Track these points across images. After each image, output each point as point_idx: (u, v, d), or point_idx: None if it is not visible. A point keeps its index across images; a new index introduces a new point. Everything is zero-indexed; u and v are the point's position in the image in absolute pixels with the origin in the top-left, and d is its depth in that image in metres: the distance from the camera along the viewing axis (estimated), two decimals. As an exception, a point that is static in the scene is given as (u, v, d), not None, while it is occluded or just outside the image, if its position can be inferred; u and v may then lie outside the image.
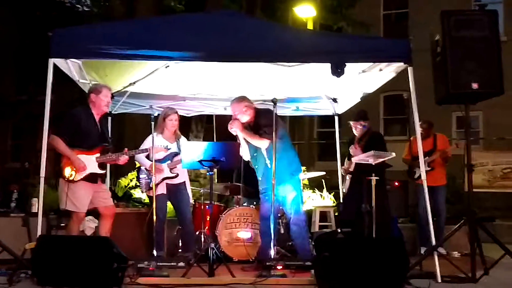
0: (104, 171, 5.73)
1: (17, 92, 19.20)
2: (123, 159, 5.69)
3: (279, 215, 6.13)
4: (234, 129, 5.70)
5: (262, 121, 5.70)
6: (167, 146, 6.09)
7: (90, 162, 5.51)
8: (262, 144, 5.70)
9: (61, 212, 6.36)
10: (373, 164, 6.06)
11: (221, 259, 5.43)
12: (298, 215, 5.71)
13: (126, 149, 5.76)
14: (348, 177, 7.14)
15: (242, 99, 5.89)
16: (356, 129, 6.99)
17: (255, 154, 5.87)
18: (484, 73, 5.06)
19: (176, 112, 6.38)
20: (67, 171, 5.42)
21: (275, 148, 5.43)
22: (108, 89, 5.75)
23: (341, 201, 8.12)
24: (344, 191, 7.36)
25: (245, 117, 5.80)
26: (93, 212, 5.87)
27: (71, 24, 6.68)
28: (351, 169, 6.87)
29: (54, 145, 5.41)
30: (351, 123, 7.05)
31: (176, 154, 6.19)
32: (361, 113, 7.09)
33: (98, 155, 5.58)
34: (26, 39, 17.61)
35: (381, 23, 18.28)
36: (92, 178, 5.53)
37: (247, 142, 5.82)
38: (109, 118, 7.28)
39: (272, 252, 5.39)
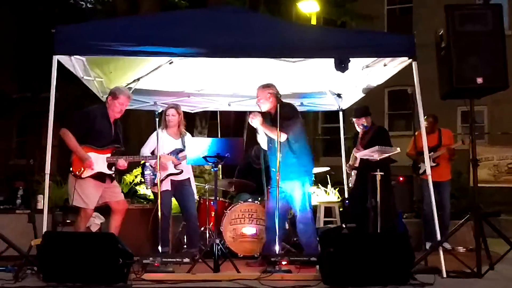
0: (112, 172, 5.75)
1: (19, 89, 19.20)
2: (122, 163, 5.69)
3: (288, 216, 6.11)
4: (255, 122, 5.68)
5: (282, 114, 5.70)
6: (177, 157, 6.12)
7: (100, 161, 5.54)
8: (279, 137, 5.69)
9: (66, 209, 6.40)
10: (378, 159, 6.05)
11: (226, 255, 5.44)
12: (304, 213, 5.69)
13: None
14: (353, 173, 7.12)
15: (268, 86, 5.85)
16: (359, 126, 6.96)
17: (270, 145, 5.87)
18: (489, 67, 5.05)
19: (173, 107, 6.35)
20: (76, 167, 5.45)
21: (279, 143, 5.43)
22: (126, 97, 5.76)
23: (346, 196, 8.14)
24: (350, 185, 7.33)
25: (267, 105, 5.78)
26: (100, 208, 5.89)
27: (74, 21, 6.66)
28: (357, 164, 6.84)
29: (63, 137, 5.45)
30: (353, 120, 7.03)
31: (181, 150, 6.19)
32: (362, 109, 7.05)
33: (109, 155, 5.61)
34: (28, 36, 17.61)
35: (385, 17, 18.22)
36: (100, 177, 5.57)
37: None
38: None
39: (277, 248, 5.40)
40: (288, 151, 5.66)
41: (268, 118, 5.79)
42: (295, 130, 5.71)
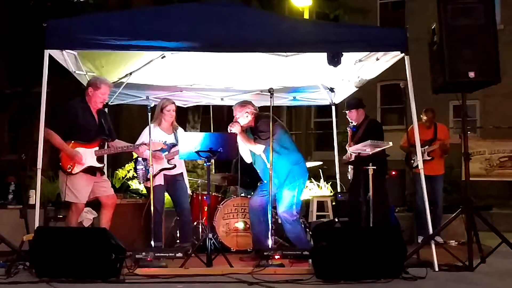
0: (103, 165, 5.75)
1: (11, 83, 19.09)
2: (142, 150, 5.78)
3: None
4: (234, 130, 5.71)
5: (258, 127, 5.73)
6: (165, 141, 6.08)
7: (88, 155, 5.53)
8: (256, 148, 5.76)
9: (58, 204, 6.39)
10: (370, 153, 6.05)
11: (219, 249, 5.45)
12: (288, 214, 5.68)
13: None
14: (350, 167, 7.08)
15: (245, 104, 5.95)
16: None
17: (254, 158, 5.92)
18: (481, 61, 5.05)
19: (174, 103, 6.36)
20: (65, 164, 5.43)
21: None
22: (107, 86, 5.74)
23: (339, 190, 8.15)
24: (349, 177, 7.28)
25: (245, 121, 5.83)
26: (91, 203, 5.88)
27: (65, 14, 6.62)
28: (352, 159, 6.77)
29: (49, 139, 5.42)
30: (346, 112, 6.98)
31: (174, 145, 6.17)
32: (348, 102, 7.00)
33: (96, 148, 5.59)
34: (20, 30, 17.48)
35: (378, 12, 18.23)
36: (90, 170, 5.56)
37: None
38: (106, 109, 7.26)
39: (270, 242, 5.41)
40: (277, 159, 5.62)
41: (248, 132, 5.85)
42: (277, 139, 5.67)
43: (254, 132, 5.82)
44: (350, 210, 6.91)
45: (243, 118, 5.84)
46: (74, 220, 5.61)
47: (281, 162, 5.66)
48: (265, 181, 5.83)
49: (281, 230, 6.41)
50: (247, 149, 5.91)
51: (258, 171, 5.97)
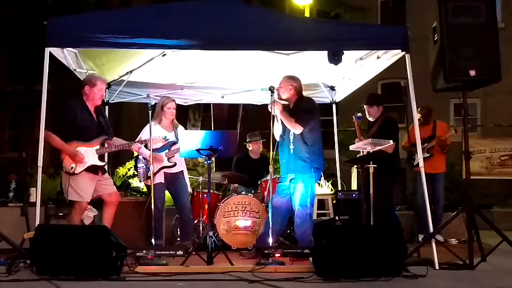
0: (104, 163, 5.76)
1: (12, 81, 19.08)
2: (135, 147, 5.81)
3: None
4: (275, 108, 5.63)
5: (302, 107, 5.68)
6: (165, 137, 6.07)
7: (90, 154, 5.55)
8: (295, 129, 5.65)
9: (59, 202, 6.38)
10: (371, 151, 6.04)
11: (220, 247, 5.45)
12: (303, 208, 5.66)
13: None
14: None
15: (292, 78, 5.83)
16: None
17: (283, 137, 5.83)
18: (482, 60, 5.04)
19: (174, 101, 6.35)
20: (68, 165, 5.45)
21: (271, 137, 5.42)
22: (103, 82, 5.76)
23: (340, 188, 8.14)
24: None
25: (286, 95, 5.77)
26: (92, 202, 5.89)
27: (66, 12, 6.64)
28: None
29: (49, 141, 5.43)
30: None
31: (174, 143, 6.17)
32: (368, 96, 6.90)
33: (97, 147, 5.60)
34: (21, 28, 17.47)
35: (379, 10, 18.22)
36: (93, 169, 5.58)
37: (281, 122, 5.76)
38: (106, 107, 7.27)
39: (271, 240, 5.40)
40: (301, 144, 5.66)
41: (287, 110, 5.76)
42: (311, 125, 5.69)
43: (294, 111, 5.71)
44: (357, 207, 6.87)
45: (286, 91, 5.75)
46: (77, 219, 5.64)
47: (304, 151, 5.67)
48: (283, 161, 5.82)
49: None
50: (280, 127, 5.78)
51: (282, 148, 5.84)
